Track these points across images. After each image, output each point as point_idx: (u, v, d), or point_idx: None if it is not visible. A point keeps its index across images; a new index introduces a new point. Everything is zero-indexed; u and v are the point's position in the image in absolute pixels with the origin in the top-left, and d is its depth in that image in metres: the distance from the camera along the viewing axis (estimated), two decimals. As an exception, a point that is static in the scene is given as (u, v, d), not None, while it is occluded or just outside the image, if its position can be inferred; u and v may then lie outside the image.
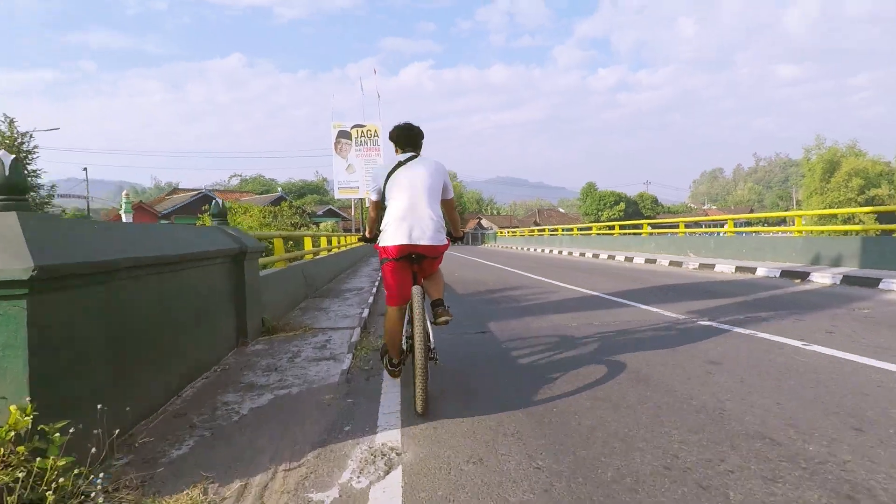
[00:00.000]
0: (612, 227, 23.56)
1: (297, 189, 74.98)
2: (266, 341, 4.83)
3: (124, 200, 30.59)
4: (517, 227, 75.40)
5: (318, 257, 10.68)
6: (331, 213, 48.91)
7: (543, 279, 10.99)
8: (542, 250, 25.41)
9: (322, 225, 28.96)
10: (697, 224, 40.03)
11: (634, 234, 19.89)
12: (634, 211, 78.01)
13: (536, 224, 76.61)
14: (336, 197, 37.40)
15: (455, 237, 3.39)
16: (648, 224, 19.97)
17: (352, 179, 37.50)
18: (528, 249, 27.63)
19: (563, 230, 27.78)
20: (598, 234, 22.74)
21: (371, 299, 7.77)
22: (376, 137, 37.76)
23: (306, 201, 60.28)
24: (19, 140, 23.27)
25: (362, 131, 37.69)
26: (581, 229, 27.67)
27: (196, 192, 35.99)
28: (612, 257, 17.90)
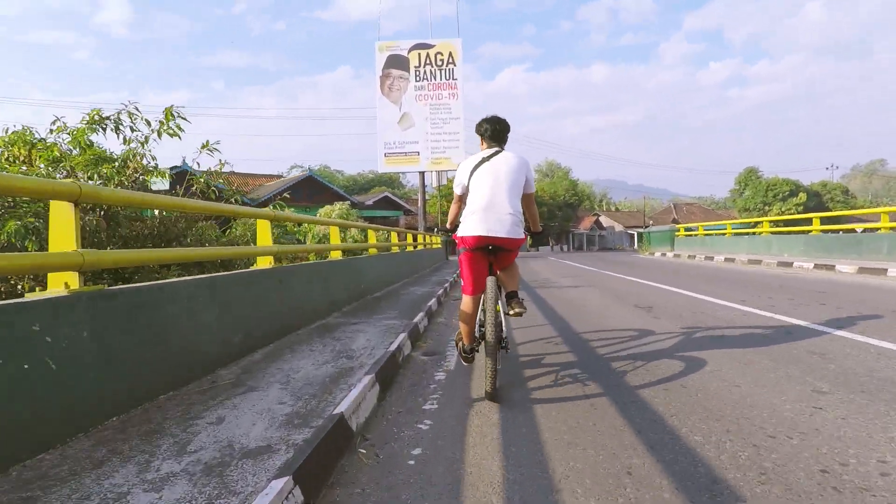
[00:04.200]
0: None
1: (365, 182, 62.04)
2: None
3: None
4: (644, 224, 56.41)
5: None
6: (388, 204, 34.01)
7: None
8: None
9: (323, 211, 13.88)
10: None
11: None
12: (817, 205, 55.96)
13: (676, 221, 56.94)
14: (381, 170, 22.15)
15: (533, 232, 3.36)
16: None
17: (407, 140, 21.88)
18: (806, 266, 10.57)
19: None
20: None
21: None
22: (452, 66, 21.85)
23: (372, 193, 46.41)
24: None
25: (428, 56, 21.94)
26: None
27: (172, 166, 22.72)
28: None
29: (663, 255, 18.43)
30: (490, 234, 2.83)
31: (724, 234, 15.78)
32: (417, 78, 21.68)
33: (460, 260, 3.01)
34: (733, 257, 13.45)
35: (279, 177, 35.57)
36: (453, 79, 21.56)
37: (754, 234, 14.92)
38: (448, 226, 3.34)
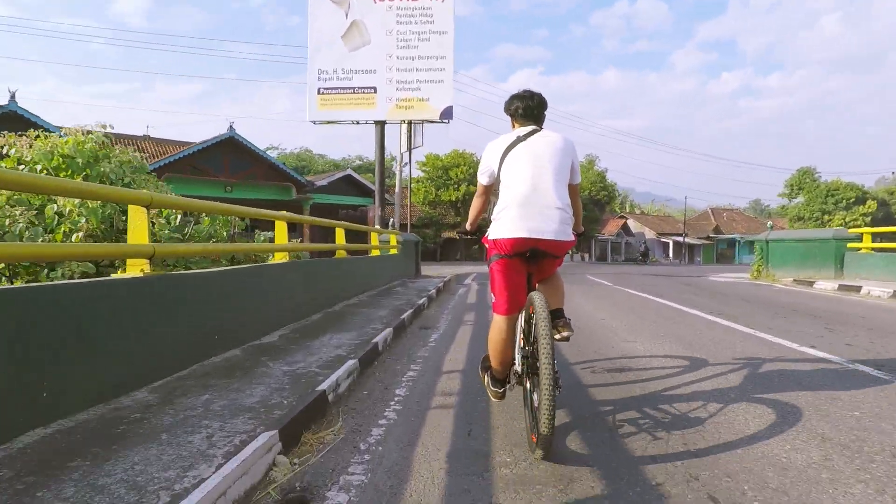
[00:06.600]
0: None
1: (351, 167, 52.86)
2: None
3: None
4: (683, 232, 47.40)
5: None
6: (352, 188, 25.50)
7: None
8: None
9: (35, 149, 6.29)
10: None
11: None
12: (885, 215, 46.91)
13: (718, 230, 47.96)
14: (310, 118, 13.45)
15: (577, 233, 2.51)
16: None
17: (357, 68, 13.14)
18: None
19: None
20: None
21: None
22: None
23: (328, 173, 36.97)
24: None
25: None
26: None
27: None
28: None
29: (842, 289, 8.28)
30: (534, 236, 2.18)
31: None
32: (378, -35, 12.96)
33: (492, 269, 2.38)
34: None
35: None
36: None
37: None
38: (469, 226, 2.72)
